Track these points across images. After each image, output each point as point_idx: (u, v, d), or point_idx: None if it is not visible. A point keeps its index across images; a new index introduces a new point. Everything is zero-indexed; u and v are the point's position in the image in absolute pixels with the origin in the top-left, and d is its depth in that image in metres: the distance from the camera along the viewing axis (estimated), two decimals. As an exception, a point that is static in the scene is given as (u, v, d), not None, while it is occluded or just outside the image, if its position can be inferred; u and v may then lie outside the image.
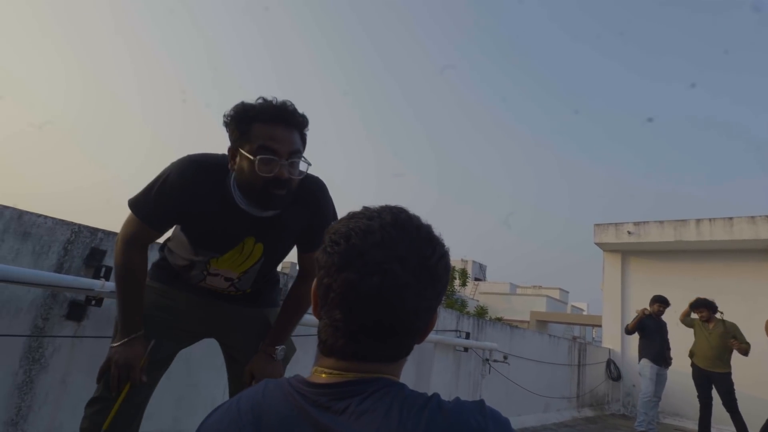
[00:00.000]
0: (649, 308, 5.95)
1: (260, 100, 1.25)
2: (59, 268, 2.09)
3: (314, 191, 1.40)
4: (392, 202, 0.68)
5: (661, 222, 8.84)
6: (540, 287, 33.18)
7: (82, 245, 2.18)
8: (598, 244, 9.59)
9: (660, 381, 5.76)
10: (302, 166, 1.30)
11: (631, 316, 7.12)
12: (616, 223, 9.35)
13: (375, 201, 0.69)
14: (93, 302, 2.14)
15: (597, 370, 8.32)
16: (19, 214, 2.00)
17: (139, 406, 1.40)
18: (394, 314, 0.60)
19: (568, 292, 33.95)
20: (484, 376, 5.12)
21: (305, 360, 3.15)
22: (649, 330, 5.82)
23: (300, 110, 1.28)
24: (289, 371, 1.52)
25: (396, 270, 0.59)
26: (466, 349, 4.81)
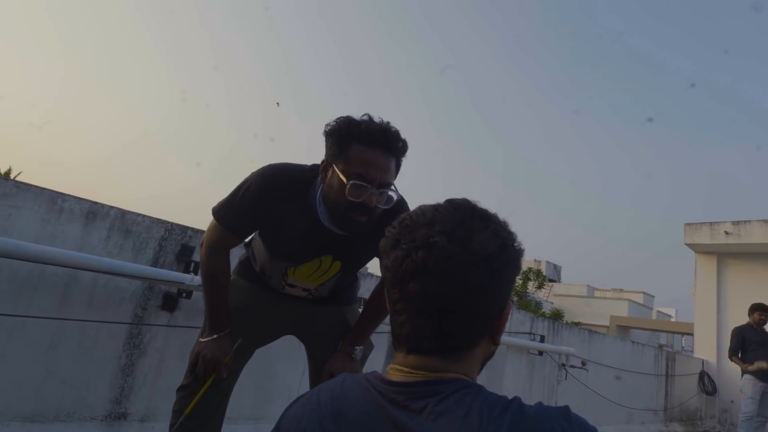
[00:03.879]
0: (749, 318, 5.35)
1: (365, 117, 1.24)
2: (155, 263, 2.30)
3: (398, 211, 1.38)
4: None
5: (766, 221, 7.93)
6: (621, 290, 31.10)
7: (174, 242, 2.37)
8: (690, 245, 8.79)
9: (766, 400, 5.16)
10: (390, 197, 1.27)
11: (728, 325, 6.47)
12: (710, 223, 8.52)
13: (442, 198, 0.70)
14: (184, 294, 2.32)
15: (688, 382, 7.64)
16: (122, 214, 2.22)
17: (223, 394, 1.49)
18: (440, 288, 0.59)
19: (653, 297, 31.52)
20: (560, 381, 4.90)
21: (376, 357, 3.20)
22: (750, 342, 5.23)
23: (402, 136, 1.26)
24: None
25: (440, 243, 0.59)
26: (540, 353, 4.63)
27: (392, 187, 1.26)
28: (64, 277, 2.01)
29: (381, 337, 3.16)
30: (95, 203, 2.14)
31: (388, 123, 1.25)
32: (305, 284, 1.49)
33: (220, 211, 1.38)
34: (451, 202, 0.65)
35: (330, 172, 1.26)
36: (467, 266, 0.59)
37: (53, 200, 2.02)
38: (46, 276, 1.97)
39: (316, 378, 1.60)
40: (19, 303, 1.91)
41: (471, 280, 0.59)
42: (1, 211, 1.89)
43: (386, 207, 1.27)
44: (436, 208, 0.64)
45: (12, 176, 18.09)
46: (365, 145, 1.21)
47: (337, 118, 1.26)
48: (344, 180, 1.21)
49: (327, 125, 1.26)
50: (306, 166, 1.37)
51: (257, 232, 1.47)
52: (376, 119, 1.24)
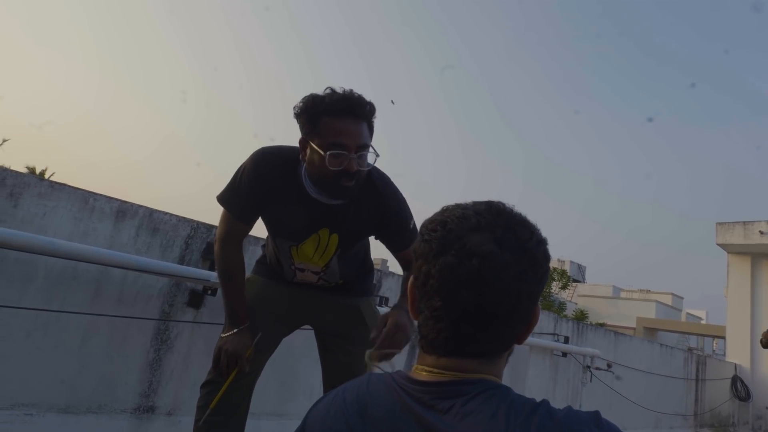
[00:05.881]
0: None
1: (328, 91, 1.30)
2: (181, 260, 2.35)
3: (375, 181, 1.44)
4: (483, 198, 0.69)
5: (804, 221, 7.62)
6: (648, 291, 30.32)
7: (200, 240, 2.42)
8: (722, 246, 8.51)
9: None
10: (371, 158, 1.35)
11: (762, 328, 6.24)
12: (744, 222, 8.23)
13: (464, 197, 0.70)
14: (209, 292, 2.37)
15: (720, 386, 7.40)
16: (150, 212, 2.27)
17: (245, 390, 1.52)
18: (495, 297, 0.58)
19: (682, 298, 30.62)
20: (584, 384, 4.81)
21: (398, 356, 3.19)
22: None
23: (367, 99, 1.32)
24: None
25: (495, 251, 0.58)
26: (564, 354, 4.56)
27: (369, 149, 1.32)
28: (95, 274, 2.07)
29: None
30: (125, 202, 2.20)
31: (351, 90, 1.31)
32: (312, 266, 1.52)
33: (225, 199, 1.45)
34: (489, 206, 0.64)
35: (308, 149, 1.32)
36: (521, 275, 0.59)
37: (85, 199, 2.09)
38: (78, 273, 2.03)
39: (328, 372, 1.63)
40: (54, 298, 1.98)
41: (523, 290, 0.60)
42: (37, 210, 1.96)
43: (369, 168, 1.34)
44: (476, 212, 0.62)
45: (46, 176, 18.74)
46: (333, 115, 1.27)
47: (303, 98, 1.31)
48: (321, 153, 1.27)
49: (294, 107, 1.32)
50: (296, 146, 1.42)
51: (264, 220, 1.51)
52: (338, 89, 1.30)
